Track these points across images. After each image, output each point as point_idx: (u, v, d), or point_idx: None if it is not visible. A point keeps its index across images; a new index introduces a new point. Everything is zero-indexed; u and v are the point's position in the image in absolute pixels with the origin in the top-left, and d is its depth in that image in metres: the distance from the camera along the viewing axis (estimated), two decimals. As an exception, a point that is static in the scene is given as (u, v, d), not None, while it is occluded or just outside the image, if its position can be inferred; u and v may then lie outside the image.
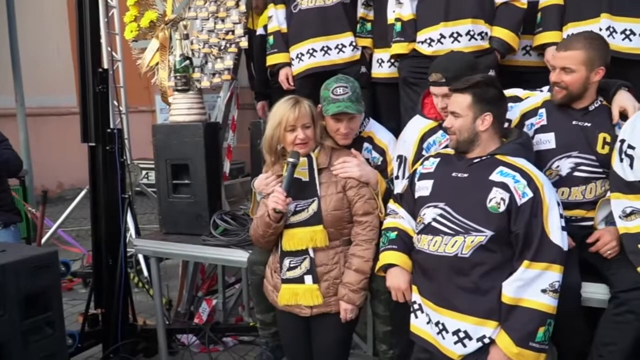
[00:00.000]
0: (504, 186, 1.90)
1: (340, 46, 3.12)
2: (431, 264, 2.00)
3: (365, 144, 2.47)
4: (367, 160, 2.42)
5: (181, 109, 3.09)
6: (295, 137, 2.18)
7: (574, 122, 2.21)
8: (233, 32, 3.06)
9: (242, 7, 3.07)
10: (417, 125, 2.47)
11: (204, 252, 2.90)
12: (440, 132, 2.38)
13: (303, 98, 2.25)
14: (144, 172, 8.09)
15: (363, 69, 3.20)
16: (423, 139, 2.42)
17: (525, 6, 2.75)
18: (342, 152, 2.32)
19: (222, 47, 3.09)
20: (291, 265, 2.20)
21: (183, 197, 3.06)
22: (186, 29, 3.14)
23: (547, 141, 2.23)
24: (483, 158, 2.01)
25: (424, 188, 2.12)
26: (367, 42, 3.23)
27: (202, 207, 3.03)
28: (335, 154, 2.28)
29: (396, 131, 2.62)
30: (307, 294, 2.18)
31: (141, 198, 7.50)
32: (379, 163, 2.46)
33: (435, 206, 2.03)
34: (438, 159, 2.16)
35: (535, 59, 2.91)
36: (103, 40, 4.77)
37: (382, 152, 2.48)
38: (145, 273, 4.62)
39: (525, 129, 2.27)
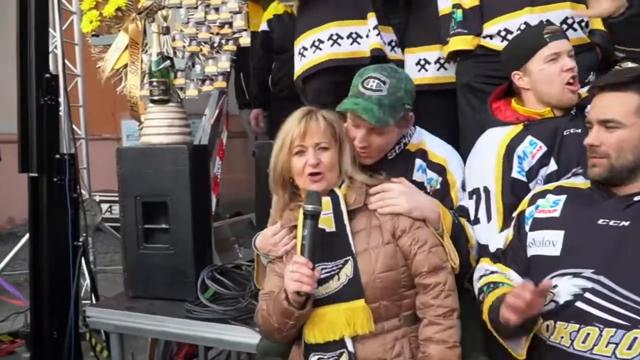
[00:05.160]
0: None
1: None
2: None
3: (418, 162, 1.80)
4: (421, 184, 1.77)
5: (158, 127, 2.40)
6: (306, 164, 1.57)
7: None
8: (230, 24, 2.43)
9: (243, -8, 2.42)
10: (494, 138, 1.85)
11: (189, 328, 2.11)
12: (529, 139, 1.78)
13: (323, 108, 1.66)
14: (107, 205, 7.40)
15: None
16: (510, 153, 1.79)
17: None
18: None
19: (215, 45, 2.45)
20: None
21: (159, 247, 2.39)
22: (166, 21, 2.54)
23: None
24: None
25: (546, 243, 1.45)
26: None
27: (186, 260, 2.33)
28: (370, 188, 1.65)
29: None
30: None
31: (104, 234, 6.79)
32: (438, 186, 1.79)
33: (577, 275, 1.34)
34: (563, 197, 1.50)
35: None
36: (59, 51, 4.17)
37: (440, 170, 1.80)
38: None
39: None
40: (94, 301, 3.07)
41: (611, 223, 1.36)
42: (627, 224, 1.34)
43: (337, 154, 1.60)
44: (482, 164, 1.82)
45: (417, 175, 1.79)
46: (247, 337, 1.95)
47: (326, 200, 1.56)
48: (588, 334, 1.30)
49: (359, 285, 1.50)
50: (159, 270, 2.37)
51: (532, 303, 1.27)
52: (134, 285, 2.41)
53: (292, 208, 1.65)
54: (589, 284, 1.31)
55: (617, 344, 1.25)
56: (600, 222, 1.37)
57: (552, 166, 1.73)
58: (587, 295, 1.31)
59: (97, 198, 5.71)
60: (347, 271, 1.51)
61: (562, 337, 1.34)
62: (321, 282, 1.50)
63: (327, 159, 1.58)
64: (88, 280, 3.22)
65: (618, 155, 1.39)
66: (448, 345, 1.47)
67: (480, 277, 1.56)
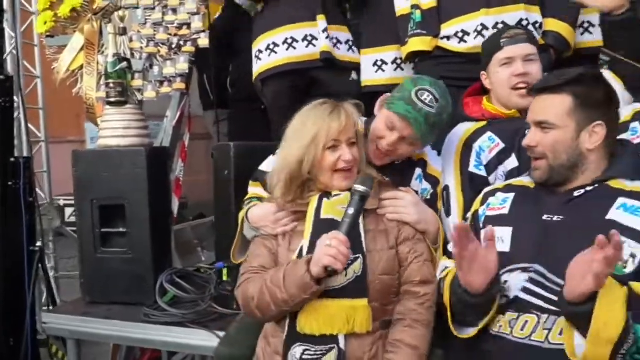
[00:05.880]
0: (635, 234, 1.28)
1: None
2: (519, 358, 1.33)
3: (418, 171, 1.79)
4: (415, 192, 1.77)
5: (115, 129, 2.36)
6: (339, 159, 1.51)
7: None
8: (189, 25, 2.38)
9: (201, -7, 2.37)
10: (457, 135, 1.86)
11: (146, 333, 2.09)
12: (488, 134, 1.81)
13: (345, 101, 1.60)
14: (71, 209, 7.16)
15: (354, 75, 2.55)
16: (468, 147, 1.81)
17: None
18: (390, 187, 1.64)
19: (173, 46, 2.39)
20: (304, 357, 1.45)
21: (117, 251, 2.33)
22: (123, 21, 2.47)
23: None
24: (588, 189, 1.40)
25: (497, 239, 1.42)
26: None
27: (144, 265, 2.29)
28: (382, 189, 1.60)
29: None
30: None
31: (66, 239, 6.52)
32: (428, 197, 1.79)
33: (525, 269, 1.37)
34: (511, 195, 1.52)
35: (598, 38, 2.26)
36: (19, 51, 3.99)
37: (434, 182, 1.81)
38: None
39: None
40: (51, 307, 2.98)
41: (554, 218, 1.39)
42: (567, 217, 1.37)
43: (358, 148, 1.58)
44: (444, 158, 1.84)
45: (415, 184, 1.78)
46: (206, 340, 1.93)
47: (346, 195, 1.54)
48: (526, 321, 1.31)
49: (365, 284, 1.48)
50: (117, 275, 2.31)
51: (466, 236, 1.28)
52: (92, 291, 2.35)
53: (300, 202, 1.60)
54: (531, 276, 1.33)
55: (549, 330, 1.27)
56: (544, 217, 1.40)
57: (514, 162, 1.74)
58: (529, 286, 1.33)
59: (62, 202, 5.51)
60: (356, 268, 1.48)
61: (500, 326, 1.35)
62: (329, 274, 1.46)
63: (357, 154, 1.55)
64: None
65: (554, 155, 1.41)
66: (419, 352, 1.46)
67: (442, 271, 1.56)
